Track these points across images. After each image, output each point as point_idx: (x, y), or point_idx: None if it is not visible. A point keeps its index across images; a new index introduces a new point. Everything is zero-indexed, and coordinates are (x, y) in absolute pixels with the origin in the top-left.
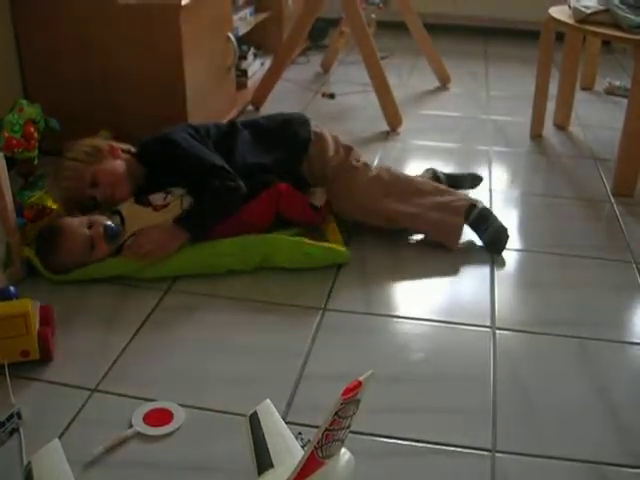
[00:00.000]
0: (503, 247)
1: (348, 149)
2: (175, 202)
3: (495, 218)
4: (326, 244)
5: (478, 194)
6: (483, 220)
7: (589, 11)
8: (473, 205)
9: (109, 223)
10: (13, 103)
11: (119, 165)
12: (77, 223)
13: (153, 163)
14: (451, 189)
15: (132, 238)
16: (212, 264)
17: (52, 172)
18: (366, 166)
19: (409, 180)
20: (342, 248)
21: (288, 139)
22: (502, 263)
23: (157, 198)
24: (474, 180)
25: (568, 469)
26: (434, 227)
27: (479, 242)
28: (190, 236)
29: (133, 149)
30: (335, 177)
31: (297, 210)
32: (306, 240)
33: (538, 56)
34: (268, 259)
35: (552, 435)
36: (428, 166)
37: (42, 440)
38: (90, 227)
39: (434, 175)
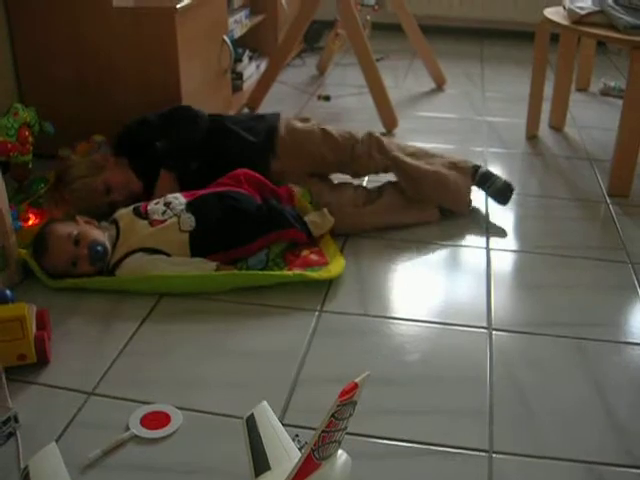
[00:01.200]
0: (508, 199)
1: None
2: (172, 220)
3: (497, 177)
4: (325, 273)
5: (473, 195)
6: (486, 178)
7: (584, 12)
8: (476, 167)
9: (96, 243)
10: (8, 107)
11: (124, 170)
12: (65, 236)
13: (135, 153)
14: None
15: (132, 255)
16: (200, 285)
17: (50, 199)
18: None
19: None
20: (339, 267)
21: (257, 126)
22: (498, 264)
23: (156, 211)
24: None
25: (565, 469)
26: (448, 190)
27: (476, 241)
28: (174, 173)
29: None
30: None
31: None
32: (304, 273)
33: (533, 57)
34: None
35: (549, 435)
36: None
37: (39, 444)
38: (77, 242)
39: None
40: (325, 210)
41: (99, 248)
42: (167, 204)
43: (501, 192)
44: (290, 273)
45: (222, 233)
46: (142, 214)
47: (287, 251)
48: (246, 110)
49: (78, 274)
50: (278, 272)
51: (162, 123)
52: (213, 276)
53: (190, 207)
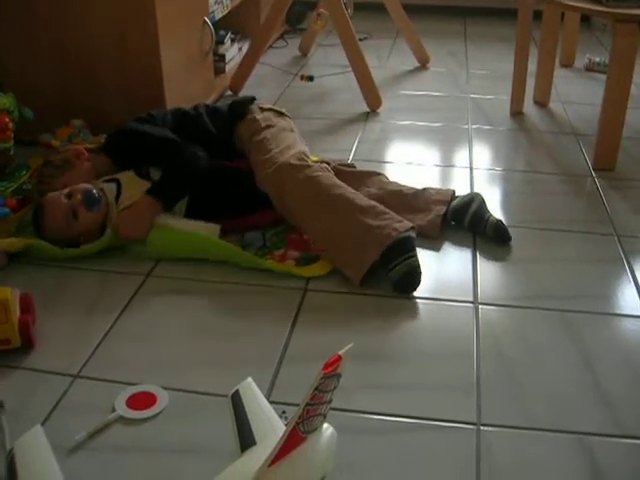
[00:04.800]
0: (409, 291)
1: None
2: None
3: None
4: (311, 270)
5: (459, 172)
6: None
7: None
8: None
9: (88, 189)
10: None
11: (86, 171)
12: (57, 195)
13: (122, 156)
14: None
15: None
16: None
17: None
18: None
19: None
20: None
21: (230, 105)
22: (484, 239)
23: (157, 173)
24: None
25: (553, 440)
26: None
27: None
28: (162, 205)
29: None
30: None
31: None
32: (291, 269)
33: (516, 32)
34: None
35: (537, 407)
36: (411, 144)
37: (25, 427)
38: (70, 196)
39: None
40: None
41: (93, 192)
42: None
43: (406, 277)
44: (275, 265)
45: (219, 200)
46: (144, 175)
47: (290, 230)
48: (229, 92)
49: (82, 230)
50: (266, 262)
51: (151, 148)
52: (214, 242)
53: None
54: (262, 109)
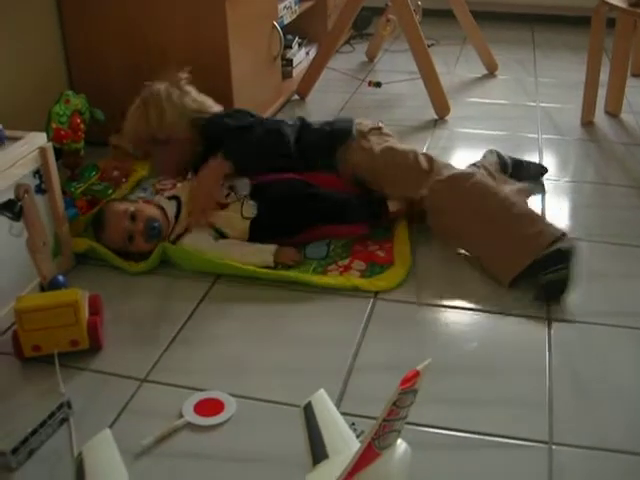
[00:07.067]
0: (555, 298)
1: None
2: (235, 205)
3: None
4: (377, 282)
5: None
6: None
7: None
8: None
9: (152, 220)
10: (59, 94)
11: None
12: (122, 212)
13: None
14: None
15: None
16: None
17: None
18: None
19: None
20: (395, 277)
21: (332, 126)
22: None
23: (245, 187)
24: (538, 170)
25: (626, 462)
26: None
27: None
28: (231, 164)
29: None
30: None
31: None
32: (355, 282)
33: (589, 41)
34: None
35: (611, 428)
36: (479, 153)
37: (92, 430)
38: (134, 218)
39: (498, 157)
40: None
41: (155, 224)
42: (231, 187)
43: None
44: (339, 282)
45: (284, 219)
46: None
47: (355, 241)
48: (296, 97)
49: (134, 251)
50: (327, 279)
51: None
52: (264, 272)
53: (255, 191)
54: (362, 132)
